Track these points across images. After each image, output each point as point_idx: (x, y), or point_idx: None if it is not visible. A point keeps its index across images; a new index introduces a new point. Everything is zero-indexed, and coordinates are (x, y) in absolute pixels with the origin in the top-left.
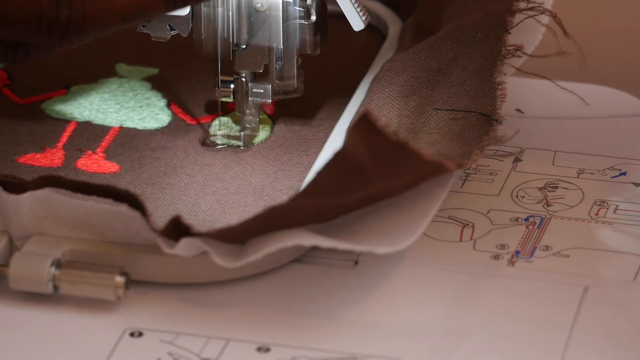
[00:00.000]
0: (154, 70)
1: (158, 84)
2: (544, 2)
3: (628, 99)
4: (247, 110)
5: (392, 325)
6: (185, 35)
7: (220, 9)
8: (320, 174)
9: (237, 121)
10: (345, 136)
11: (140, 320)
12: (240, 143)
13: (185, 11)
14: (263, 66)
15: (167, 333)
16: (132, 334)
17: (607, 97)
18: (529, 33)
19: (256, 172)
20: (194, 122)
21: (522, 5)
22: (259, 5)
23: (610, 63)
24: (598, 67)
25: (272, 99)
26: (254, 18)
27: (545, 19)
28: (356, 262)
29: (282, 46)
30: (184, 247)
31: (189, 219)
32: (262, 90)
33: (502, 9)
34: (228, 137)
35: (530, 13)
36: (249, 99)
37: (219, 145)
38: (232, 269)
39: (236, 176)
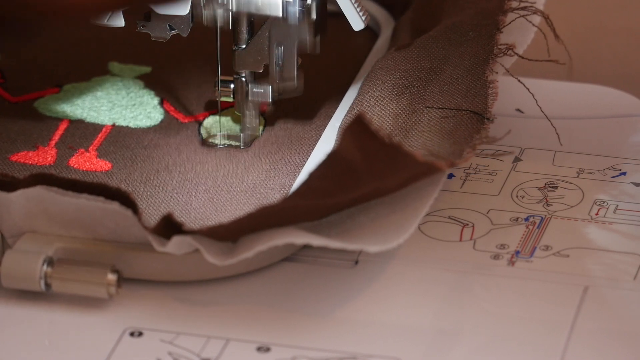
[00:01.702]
0: (146, 69)
1: (151, 82)
2: (535, 1)
3: (628, 99)
4: (247, 111)
5: (392, 325)
6: (185, 35)
7: (220, 9)
8: (313, 175)
9: (236, 121)
10: (339, 138)
11: (140, 320)
12: (239, 143)
13: (185, 11)
14: (263, 66)
15: (167, 333)
16: (132, 334)
17: (607, 97)
18: (521, 32)
19: (248, 171)
20: (186, 121)
21: (514, 4)
22: (259, 5)
23: (610, 63)
24: (598, 67)
25: (272, 99)
26: (254, 18)
27: (537, 19)
28: (356, 262)
29: (282, 46)
30: (176, 244)
31: (181, 217)
32: (262, 90)
33: (494, 8)
34: (228, 137)
35: (522, 13)
36: (249, 98)
37: (219, 145)
38: (224, 266)
39: (228, 174)
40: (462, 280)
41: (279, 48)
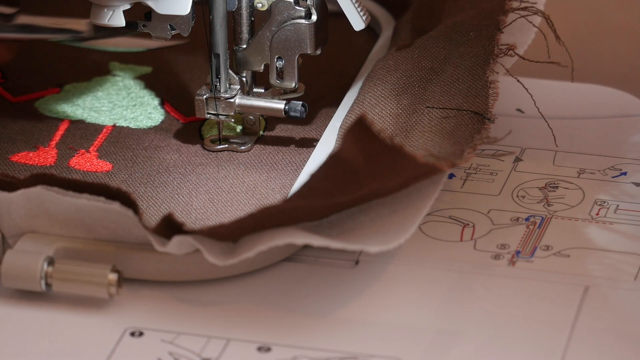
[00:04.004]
0: (147, 69)
1: (151, 83)
2: (536, 2)
3: (628, 99)
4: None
5: (393, 325)
6: (185, 34)
7: (220, 8)
8: (314, 176)
9: (237, 122)
10: (340, 139)
11: (141, 320)
12: (240, 144)
13: (186, 10)
14: (263, 66)
15: (168, 333)
16: (132, 334)
17: (607, 97)
18: (522, 33)
19: (249, 171)
20: (187, 121)
21: (515, 4)
22: (260, 5)
23: (610, 63)
24: (598, 67)
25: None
26: (254, 18)
27: (537, 19)
28: (357, 262)
29: (282, 46)
30: (176, 245)
31: (181, 217)
32: (262, 90)
33: (495, 8)
34: (229, 138)
35: (523, 13)
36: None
37: (220, 146)
38: (224, 267)
39: (229, 175)
40: (463, 280)
41: (279, 48)
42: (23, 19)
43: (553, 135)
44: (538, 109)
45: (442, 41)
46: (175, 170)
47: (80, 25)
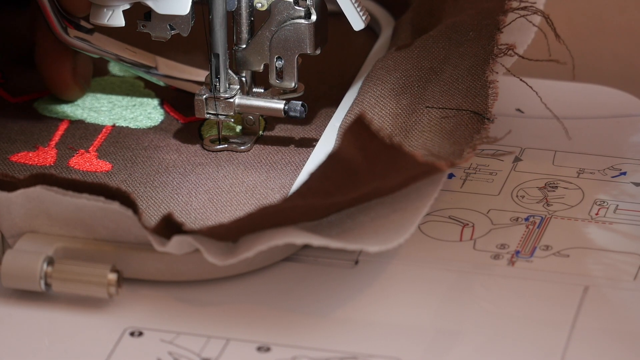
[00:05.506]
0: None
1: (151, 83)
2: (536, 1)
3: (628, 99)
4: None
5: (392, 325)
6: (185, 34)
7: (220, 8)
8: (313, 175)
9: (236, 122)
10: (339, 138)
11: (140, 320)
12: (240, 144)
13: (185, 10)
14: (263, 66)
15: (168, 333)
16: (132, 334)
17: (607, 97)
18: (521, 32)
19: (248, 171)
20: (186, 121)
21: (515, 4)
22: (259, 5)
23: (610, 63)
24: (598, 67)
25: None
26: (254, 18)
27: (537, 19)
28: (356, 262)
29: (282, 46)
30: (176, 244)
31: (181, 217)
32: (262, 90)
33: (495, 8)
34: (228, 138)
35: (522, 13)
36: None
37: (219, 146)
38: (224, 266)
39: (228, 175)
40: (462, 280)
41: (279, 48)
42: (98, 37)
43: (565, 129)
44: (545, 104)
45: (441, 41)
46: (174, 170)
47: (151, 60)
